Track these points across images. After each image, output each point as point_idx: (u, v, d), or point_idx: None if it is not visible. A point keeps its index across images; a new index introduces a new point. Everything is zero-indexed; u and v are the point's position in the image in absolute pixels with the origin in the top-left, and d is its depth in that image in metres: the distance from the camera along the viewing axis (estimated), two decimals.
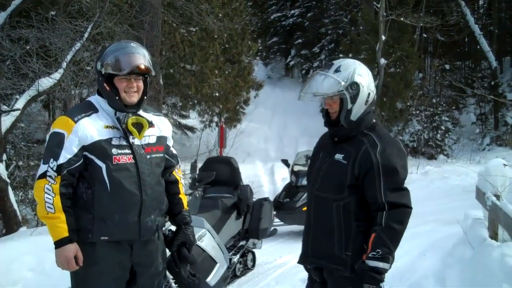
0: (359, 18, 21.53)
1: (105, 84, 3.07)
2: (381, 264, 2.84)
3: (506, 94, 20.54)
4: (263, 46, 28.54)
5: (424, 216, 9.51)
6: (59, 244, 2.95)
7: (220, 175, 6.40)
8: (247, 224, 6.47)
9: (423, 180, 13.82)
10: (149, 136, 3.18)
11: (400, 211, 2.91)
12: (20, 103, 8.30)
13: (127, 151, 3.05)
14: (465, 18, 22.37)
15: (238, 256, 6.19)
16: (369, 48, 19.02)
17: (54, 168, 2.95)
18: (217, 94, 16.14)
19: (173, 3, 12.97)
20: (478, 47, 22.65)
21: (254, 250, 6.65)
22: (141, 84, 3.12)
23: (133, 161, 3.06)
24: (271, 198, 8.03)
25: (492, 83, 21.47)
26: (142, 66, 3.04)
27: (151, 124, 3.16)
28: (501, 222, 5.39)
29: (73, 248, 2.96)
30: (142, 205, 3.07)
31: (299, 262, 3.29)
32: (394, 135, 19.78)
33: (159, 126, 3.28)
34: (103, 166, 3.00)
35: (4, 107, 8.10)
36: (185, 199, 3.46)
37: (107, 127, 3.06)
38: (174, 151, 3.44)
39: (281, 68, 32.57)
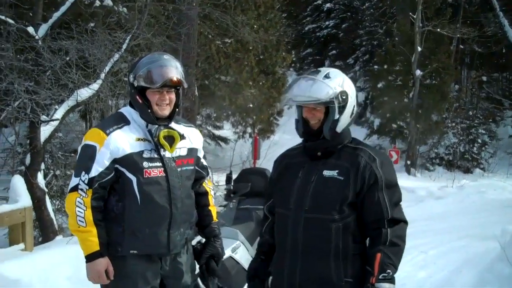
0: (395, 29, 21.41)
1: (137, 97, 3.03)
2: (391, 286, 2.64)
3: None
4: (297, 58, 28.53)
5: (460, 231, 9.35)
6: (90, 258, 2.94)
7: (254, 187, 6.37)
8: None
9: (459, 194, 13.59)
10: (180, 148, 3.15)
11: (401, 227, 2.74)
12: (59, 113, 8.49)
13: (158, 164, 3.02)
14: (503, 29, 21.97)
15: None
16: (404, 59, 18.89)
17: (86, 181, 2.93)
18: (251, 105, 16.23)
19: (210, 15, 13.11)
20: None
21: None
22: (173, 96, 3.08)
23: (164, 174, 3.02)
24: None
25: None
26: (175, 79, 2.99)
27: (182, 137, 3.12)
28: None
29: (104, 262, 2.95)
30: (171, 219, 3.04)
31: None
32: (430, 148, 19.58)
33: (190, 138, 3.25)
34: (134, 179, 2.97)
35: (44, 117, 8.29)
36: (214, 211, 3.43)
37: (138, 139, 3.02)
38: (205, 163, 3.41)
39: None
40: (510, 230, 6.74)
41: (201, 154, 3.35)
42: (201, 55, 14.30)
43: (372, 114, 21.75)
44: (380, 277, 2.62)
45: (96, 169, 2.93)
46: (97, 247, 2.92)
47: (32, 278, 5.21)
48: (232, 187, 6.19)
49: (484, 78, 23.87)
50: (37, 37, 8.41)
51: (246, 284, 5.18)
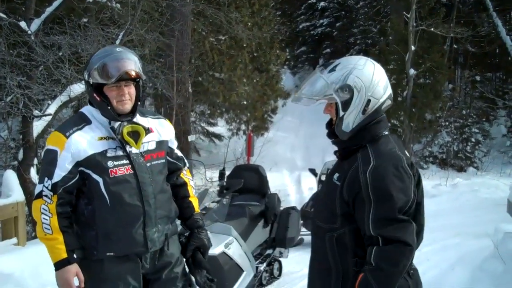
0: (389, 28, 21.43)
1: (94, 94, 2.88)
2: None
3: None
4: (291, 55, 28.53)
5: (453, 229, 9.38)
6: (58, 266, 2.82)
7: (248, 183, 6.39)
8: (274, 233, 6.44)
9: (452, 193, 13.63)
10: (148, 142, 3.01)
11: (395, 248, 2.30)
12: (51, 109, 8.45)
13: (124, 161, 2.89)
14: (497, 29, 22.07)
15: (264, 264, 6.17)
16: (398, 58, 18.92)
17: (49, 187, 2.82)
18: (245, 103, 16.22)
19: (203, 11, 13.08)
20: (510, 58, 22.33)
21: (280, 259, 6.62)
22: (132, 90, 2.92)
23: (132, 171, 2.89)
24: (299, 207, 8.00)
25: None
26: (132, 72, 2.84)
27: (148, 131, 2.97)
28: None
29: (72, 270, 2.82)
30: (145, 217, 2.92)
31: None
32: (423, 146, 19.63)
33: (159, 130, 3.11)
34: (100, 180, 2.85)
35: (36, 112, 8.24)
36: (196, 202, 3.31)
37: (101, 138, 2.89)
38: (180, 153, 3.28)
39: None
40: (503, 228, 6.76)
41: (174, 145, 3.23)
42: (195, 51, 14.28)
43: None
44: None
45: (59, 174, 2.82)
46: (64, 255, 2.81)
47: (24, 272, 5.20)
48: (225, 183, 6.20)
49: (478, 78, 23.90)
50: (29, 31, 8.36)
51: (239, 280, 5.21)
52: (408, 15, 17.61)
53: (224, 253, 5.01)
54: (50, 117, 8.44)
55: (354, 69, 2.46)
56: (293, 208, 6.94)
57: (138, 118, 3.00)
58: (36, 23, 8.58)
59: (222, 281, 4.88)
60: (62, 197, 2.83)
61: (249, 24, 15.24)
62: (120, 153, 2.90)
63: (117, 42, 9.09)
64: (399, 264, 2.31)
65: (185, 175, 3.32)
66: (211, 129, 18.12)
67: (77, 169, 2.84)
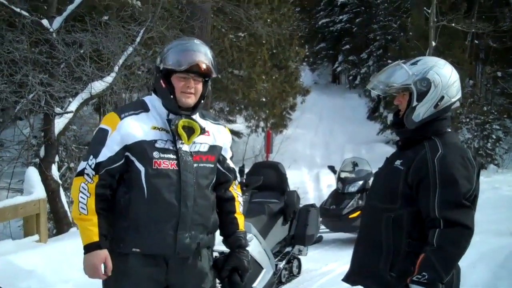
0: (409, 23, 21.30)
1: (161, 81, 2.80)
2: None
3: None
4: (310, 52, 28.51)
5: (475, 227, 9.30)
6: (88, 249, 2.66)
7: (267, 180, 6.38)
8: (293, 230, 6.44)
9: None
10: (201, 143, 2.86)
11: (457, 230, 2.46)
12: (73, 106, 8.53)
13: (171, 156, 2.75)
14: None
15: (284, 262, 6.17)
16: (418, 54, 18.72)
17: (93, 166, 2.70)
18: (264, 100, 16.22)
19: (223, 8, 13.10)
20: None
21: (300, 256, 6.62)
22: (200, 86, 2.81)
23: (176, 168, 2.74)
24: (318, 205, 7.99)
25: None
26: (204, 65, 2.75)
27: (203, 131, 2.83)
28: None
29: (102, 255, 2.66)
30: (179, 218, 2.74)
31: (343, 279, 2.90)
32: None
33: (215, 135, 2.95)
34: (142, 169, 2.72)
35: (58, 110, 8.33)
36: (241, 219, 3.07)
37: (154, 128, 2.78)
38: (232, 165, 3.09)
39: (328, 74, 32.47)
40: None
41: (228, 154, 3.05)
42: (214, 48, 14.28)
43: (385, 109, 21.66)
44: (414, 278, 2.46)
45: (105, 154, 2.71)
46: (95, 238, 2.66)
47: (46, 269, 5.26)
48: (244, 180, 6.19)
49: (499, 74, 23.61)
50: (51, 29, 8.45)
51: (259, 277, 5.22)
52: (429, 10, 17.47)
53: None
54: (72, 114, 8.52)
55: (435, 66, 2.66)
56: (313, 205, 6.93)
57: (197, 118, 2.86)
58: (58, 21, 8.66)
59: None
60: (103, 178, 2.72)
61: (269, 20, 15.23)
62: (170, 147, 2.77)
63: (138, 39, 9.16)
64: (460, 246, 2.47)
65: (234, 189, 3.10)
66: (230, 126, 18.08)
67: (123, 153, 2.73)
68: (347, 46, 28.99)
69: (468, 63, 20.30)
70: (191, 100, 2.80)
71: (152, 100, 2.88)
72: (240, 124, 18.26)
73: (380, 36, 27.19)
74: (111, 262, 2.69)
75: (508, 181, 14.10)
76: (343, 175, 9.51)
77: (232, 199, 3.05)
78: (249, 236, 5.19)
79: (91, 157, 2.73)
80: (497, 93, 22.41)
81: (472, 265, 6.72)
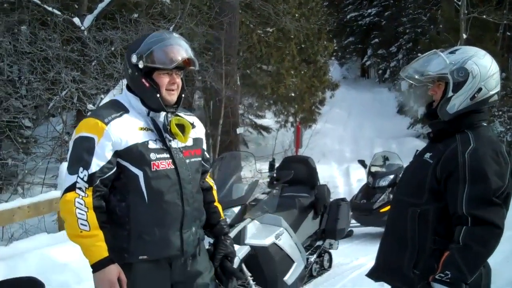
0: (439, 16, 21.01)
1: (143, 80, 2.63)
2: None
3: None
4: (339, 46, 28.32)
5: (509, 222, 9.16)
6: (99, 266, 2.49)
7: (297, 175, 6.39)
8: (324, 224, 6.43)
9: None
10: None
11: (485, 229, 2.33)
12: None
13: (166, 155, 2.65)
14: None
15: (315, 256, 6.17)
16: (449, 47, 18.22)
17: (85, 179, 2.51)
18: (292, 95, 16.19)
19: (251, 4, 13.13)
20: None
21: (330, 250, 6.62)
22: (180, 80, 2.73)
23: (173, 166, 2.65)
24: (348, 199, 7.97)
25: None
26: (192, 59, 2.67)
27: (193, 126, 2.77)
28: None
29: (116, 270, 2.52)
30: (183, 217, 2.68)
31: (367, 274, 2.83)
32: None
33: (194, 128, 2.88)
34: (139, 173, 2.59)
35: (90, 106, 8.46)
36: (220, 207, 3.08)
37: (141, 129, 2.64)
38: (207, 155, 3.05)
39: (357, 68, 32.27)
40: None
41: (205, 145, 2.99)
42: (243, 44, 14.33)
43: (416, 103, 21.47)
44: (437, 276, 2.37)
45: (97, 164, 2.53)
46: (105, 253, 2.50)
47: (80, 262, 5.34)
48: (275, 175, 6.21)
49: None
50: (82, 27, 8.60)
51: (290, 271, 5.24)
52: (459, 2, 17.20)
53: (274, 244, 5.04)
54: None
55: (474, 56, 2.54)
56: (343, 199, 6.91)
57: (178, 113, 2.81)
58: (89, 19, 8.81)
59: (273, 271, 4.93)
60: (98, 189, 2.55)
61: (297, 15, 15.20)
62: (162, 146, 2.66)
63: None
64: (488, 245, 2.35)
65: (209, 179, 3.10)
66: (259, 121, 18.16)
67: (115, 159, 2.58)
68: (376, 40, 28.71)
69: (500, 56, 19.90)
70: (175, 96, 2.72)
71: (128, 99, 2.73)
72: (269, 120, 18.28)
73: (409, 29, 26.86)
74: (124, 275, 2.57)
75: None
76: (373, 169, 9.46)
77: (210, 188, 3.04)
78: (280, 230, 5.24)
79: (81, 169, 2.53)
80: None
81: (506, 259, 6.64)
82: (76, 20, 8.65)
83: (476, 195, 2.36)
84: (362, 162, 10.05)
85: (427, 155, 2.59)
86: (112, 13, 9.43)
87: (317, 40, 17.20)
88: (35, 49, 8.16)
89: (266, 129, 18.05)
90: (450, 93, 2.52)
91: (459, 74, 2.51)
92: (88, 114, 3.36)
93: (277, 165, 6.79)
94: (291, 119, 17.41)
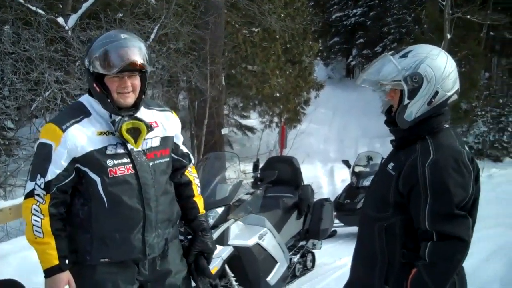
0: (424, 16, 21.14)
1: (94, 85, 2.58)
2: None
3: None
4: (324, 46, 28.42)
5: (489, 220, 9.22)
6: (49, 273, 2.55)
7: (281, 175, 6.43)
8: (308, 224, 6.47)
9: (488, 184, 13.41)
10: (152, 138, 2.73)
11: (450, 244, 2.25)
12: None
13: (125, 160, 2.61)
14: None
15: (298, 256, 6.21)
16: (434, 44, 18.68)
17: (42, 186, 2.53)
18: (277, 95, 16.19)
19: (236, 3, 13.14)
20: None
21: (314, 250, 6.66)
22: (137, 81, 2.63)
23: (133, 171, 2.62)
24: (332, 199, 8.02)
25: None
26: (138, 62, 2.54)
27: (150, 129, 2.68)
28: None
29: (64, 278, 2.56)
30: (145, 221, 2.64)
31: None
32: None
33: (164, 124, 2.82)
34: (97, 180, 2.57)
35: None
36: (201, 202, 3.03)
37: (101, 133, 2.60)
38: (186, 150, 3.00)
39: (342, 68, 32.37)
40: None
41: (179, 140, 2.93)
42: (228, 44, 14.31)
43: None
44: None
45: (53, 172, 2.53)
46: (55, 261, 2.53)
47: None
48: (259, 175, 6.25)
49: None
50: (66, 27, 8.55)
51: (273, 271, 5.27)
52: (444, 3, 17.35)
53: (258, 244, 5.07)
54: None
55: (427, 58, 2.39)
56: (327, 199, 6.96)
57: (142, 111, 2.73)
58: (73, 19, 8.76)
59: (256, 272, 4.96)
60: (56, 196, 2.56)
61: (282, 15, 15.19)
62: (121, 150, 2.61)
63: (152, 36, 9.23)
64: (454, 260, 2.28)
65: (190, 172, 3.03)
66: (244, 121, 18.16)
67: (73, 166, 2.57)
68: (361, 40, 28.82)
69: (483, 56, 20.13)
70: (130, 99, 2.63)
71: (90, 102, 2.69)
72: (254, 120, 18.28)
73: (394, 30, 26.99)
74: (73, 282, 2.61)
75: None
76: (357, 169, 9.53)
77: (189, 183, 2.99)
78: (263, 230, 5.26)
79: (39, 176, 2.54)
80: None
81: (486, 258, 6.72)
82: (60, 19, 8.59)
83: (438, 210, 2.28)
84: (346, 162, 10.12)
85: (390, 165, 2.47)
86: (96, 13, 9.37)
87: (302, 40, 17.22)
88: (18, 49, 8.09)
89: (251, 129, 18.06)
90: (406, 101, 2.39)
91: (413, 80, 2.36)
92: (51, 118, 3.31)
93: (261, 165, 6.83)
94: (276, 119, 17.43)
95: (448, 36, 17.25)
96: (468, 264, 6.61)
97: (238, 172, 6.30)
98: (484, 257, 6.79)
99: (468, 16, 17.57)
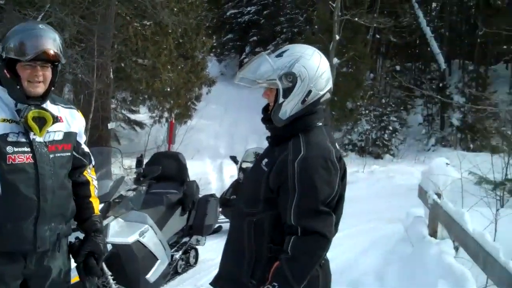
0: (315, 17, 21.73)
1: (5, 71, 2.60)
2: None
3: (453, 96, 21.07)
4: (217, 43, 28.45)
5: (368, 215, 9.69)
6: None
7: (166, 171, 6.36)
8: (192, 220, 6.46)
9: (369, 179, 14.10)
10: (55, 132, 2.75)
11: (311, 239, 2.33)
12: None
13: (25, 149, 2.61)
14: (418, 20, 22.86)
15: (180, 252, 6.17)
16: (323, 47, 19.20)
17: None
18: (168, 90, 16.00)
19: None
20: (429, 49, 23.21)
21: (197, 247, 6.66)
22: (48, 73, 2.66)
23: (32, 161, 2.62)
24: (219, 195, 8.06)
25: (440, 85, 22.07)
26: (51, 52, 2.58)
27: (56, 120, 2.70)
28: (440, 220, 5.56)
29: None
30: (39, 212, 2.63)
31: (211, 283, 2.74)
32: (343, 134, 20.13)
33: (68, 121, 2.84)
34: None
35: None
36: (97, 203, 3.05)
37: (4, 120, 2.60)
38: (87, 149, 3.04)
39: (235, 65, 32.54)
40: (413, 213, 7.03)
41: (82, 139, 2.97)
42: (118, 37, 13.95)
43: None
44: (266, 287, 2.36)
45: None
46: None
47: None
48: (142, 170, 6.13)
49: (398, 67, 24.66)
50: None
51: (153, 268, 5.21)
52: (334, 5, 17.90)
53: (138, 241, 4.98)
54: None
55: (301, 58, 2.44)
56: (212, 195, 6.98)
57: (47, 105, 2.74)
58: None
59: (135, 270, 4.88)
60: None
61: (175, 9, 15.01)
62: (23, 139, 2.62)
63: None
64: (314, 255, 2.35)
65: (89, 173, 3.05)
66: (133, 116, 17.79)
67: None
68: (255, 38, 29.21)
69: (369, 57, 21.04)
70: (40, 89, 2.66)
71: None
72: (143, 115, 17.97)
73: (286, 29, 27.60)
74: None
75: (402, 170, 14.81)
76: (244, 165, 9.61)
77: (87, 183, 3.01)
78: (144, 227, 5.18)
79: None
80: (395, 86, 23.41)
81: (364, 251, 7.01)
82: None
83: (304, 206, 2.33)
84: (233, 158, 10.18)
85: (264, 161, 2.52)
86: None
87: (195, 35, 17.11)
88: None
89: (140, 124, 17.72)
90: (281, 99, 2.44)
91: (287, 79, 2.42)
92: None
93: (146, 160, 6.73)
94: (166, 114, 17.18)
95: (337, 37, 17.83)
96: (346, 258, 6.90)
97: (121, 168, 6.15)
98: (361, 250, 7.09)
99: (356, 19, 18.26)
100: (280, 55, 2.48)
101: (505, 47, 23.05)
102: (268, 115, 2.54)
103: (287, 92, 2.43)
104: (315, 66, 2.45)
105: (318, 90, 2.46)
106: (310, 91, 2.44)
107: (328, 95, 2.55)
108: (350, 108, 19.77)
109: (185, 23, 15.24)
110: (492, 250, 3.77)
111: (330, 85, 2.53)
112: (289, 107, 2.45)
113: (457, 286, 4.33)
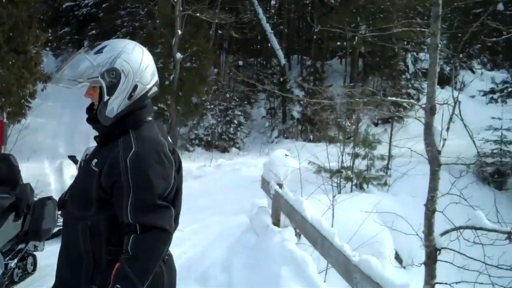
0: (156, 11, 21.50)
1: None
2: None
3: (293, 90, 22.02)
4: (54, 36, 27.13)
5: (216, 208, 9.77)
6: None
7: None
8: (27, 226, 6.02)
9: (216, 173, 14.23)
10: None
11: (151, 235, 2.26)
12: None
13: None
14: (258, 16, 23.50)
15: (15, 260, 5.73)
16: (165, 42, 19.11)
17: None
18: None
19: None
20: (269, 45, 24.00)
21: (35, 253, 6.23)
22: None
23: None
24: (54, 197, 7.61)
25: (281, 79, 22.94)
26: None
27: None
28: (282, 209, 5.74)
29: None
30: None
31: None
32: (189, 129, 20.16)
33: None
34: None
35: None
36: None
37: None
38: None
39: None
40: (257, 203, 7.19)
41: None
42: None
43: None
44: None
45: None
46: None
47: None
48: None
49: (241, 63, 25.25)
50: None
51: None
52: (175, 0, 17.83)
53: None
54: None
55: (122, 53, 2.38)
56: (49, 198, 6.54)
57: None
58: None
59: None
60: None
61: (4, 1, 14.00)
62: None
63: None
64: (156, 251, 2.28)
65: None
66: None
67: None
68: (94, 32, 28.20)
69: (212, 52, 21.25)
70: None
71: None
72: None
73: (127, 23, 26.98)
74: None
75: (247, 162, 15.16)
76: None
77: None
78: None
79: None
80: (239, 81, 23.92)
81: (211, 244, 7.06)
82: None
83: (140, 202, 2.26)
84: (72, 158, 9.70)
85: (94, 162, 2.39)
86: None
87: (27, 28, 16.08)
88: None
89: None
90: (106, 97, 2.36)
91: (111, 76, 2.35)
92: None
93: None
94: None
95: (180, 32, 17.77)
96: (193, 252, 6.88)
97: None
98: (208, 243, 7.12)
99: (198, 14, 18.33)
100: (99, 51, 2.39)
101: (338, 43, 24.42)
102: (94, 115, 2.43)
103: (112, 88, 2.36)
104: (138, 60, 2.41)
105: (144, 84, 2.43)
106: (136, 86, 2.40)
107: (155, 89, 2.50)
108: (195, 103, 19.85)
109: (15, 16, 14.22)
110: (328, 235, 3.97)
111: (156, 78, 2.50)
112: (116, 104, 2.38)
113: (299, 271, 4.48)
